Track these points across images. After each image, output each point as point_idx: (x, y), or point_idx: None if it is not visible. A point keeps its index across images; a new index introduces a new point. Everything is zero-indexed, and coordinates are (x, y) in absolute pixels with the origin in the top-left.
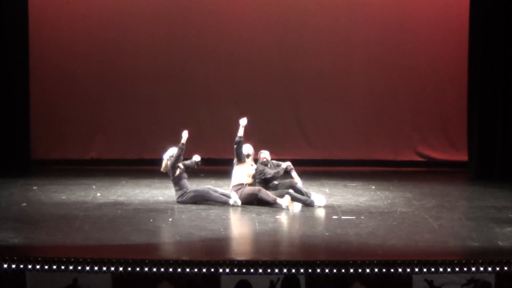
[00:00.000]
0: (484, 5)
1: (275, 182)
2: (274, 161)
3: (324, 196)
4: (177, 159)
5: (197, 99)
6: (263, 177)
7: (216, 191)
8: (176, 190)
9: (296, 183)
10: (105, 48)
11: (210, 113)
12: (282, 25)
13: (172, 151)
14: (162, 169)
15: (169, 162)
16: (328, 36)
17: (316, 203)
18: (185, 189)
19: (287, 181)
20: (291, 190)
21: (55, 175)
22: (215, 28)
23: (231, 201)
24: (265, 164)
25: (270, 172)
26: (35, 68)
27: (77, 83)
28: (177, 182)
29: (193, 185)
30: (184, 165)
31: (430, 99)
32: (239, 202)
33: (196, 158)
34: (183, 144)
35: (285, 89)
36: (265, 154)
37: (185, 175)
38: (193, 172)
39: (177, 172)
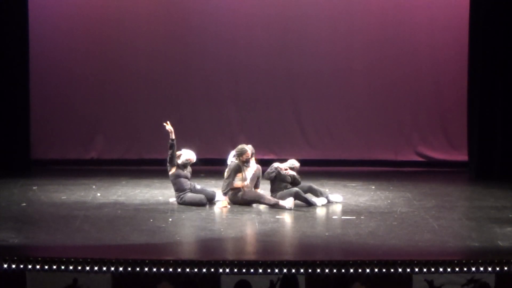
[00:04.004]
0: (484, 5)
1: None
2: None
3: (340, 194)
4: (172, 156)
5: (197, 99)
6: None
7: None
8: (175, 191)
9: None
10: (105, 48)
11: (210, 113)
12: (282, 25)
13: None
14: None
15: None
16: (328, 36)
17: (332, 199)
18: (183, 192)
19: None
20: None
21: (55, 175)
22: (215, 28)
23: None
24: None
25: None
26: (35, 68)
27: (77, 83)
28: (174, 181)
29: (194, 184)
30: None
31: (430, 99)
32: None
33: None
34: (172, 139)
35: (285, 89)
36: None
37: (183, 173)
38: (194, 172)
39: (173, 170)
